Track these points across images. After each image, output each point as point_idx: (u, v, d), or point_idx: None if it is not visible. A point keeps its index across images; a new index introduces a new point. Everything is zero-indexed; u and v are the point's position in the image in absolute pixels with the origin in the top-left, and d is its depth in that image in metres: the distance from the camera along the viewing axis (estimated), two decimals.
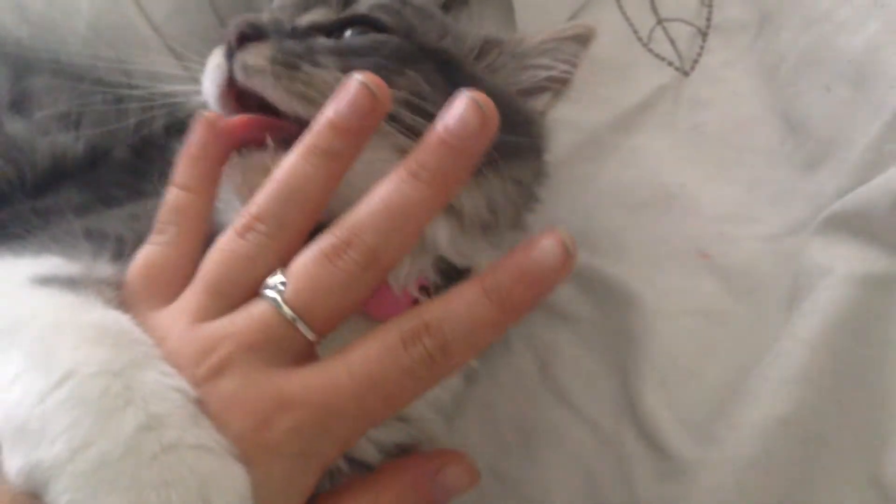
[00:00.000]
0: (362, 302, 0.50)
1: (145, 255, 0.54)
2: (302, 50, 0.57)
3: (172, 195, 0.56)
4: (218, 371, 0.47)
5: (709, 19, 0.85)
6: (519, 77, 0.67)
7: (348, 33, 0.59)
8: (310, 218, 0.51)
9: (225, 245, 0.52)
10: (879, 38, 0.68)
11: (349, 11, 0.60)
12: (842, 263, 0.61)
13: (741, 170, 0.77)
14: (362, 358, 0.48)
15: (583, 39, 0.68)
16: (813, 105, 0.73)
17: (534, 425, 0.67)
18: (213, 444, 0.44)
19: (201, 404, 0.45)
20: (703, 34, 0.84)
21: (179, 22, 0.71)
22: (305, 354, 0.49)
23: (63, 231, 0.58)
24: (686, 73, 0.83)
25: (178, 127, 0.65)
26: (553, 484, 0.65)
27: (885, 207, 0.61)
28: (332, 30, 0.60)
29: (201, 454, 0.43)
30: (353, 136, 0.51)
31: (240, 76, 0.56)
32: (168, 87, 0.66)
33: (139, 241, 0.56)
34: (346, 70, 0.53)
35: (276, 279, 0.49)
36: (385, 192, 0.50)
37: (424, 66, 0.59)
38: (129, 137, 0.68)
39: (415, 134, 0.54)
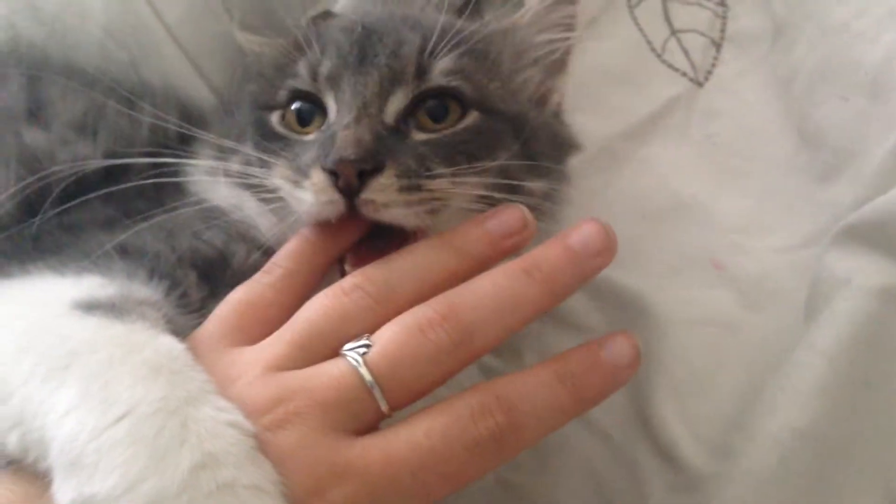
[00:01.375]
0: (443, 382, 0.49)
1: (245, 290, 0.54)
2: (416, 164, 0.56)
3: (294, 244, 0.57)
4: (283, 422, 0.46)
5: (723, 30, 0.84)
6: (526, 69, 0.67)
7: (431, 103, 0.60)
8: (419, 300, 0.51)
9: (325, 300, 0.52)
10: None
11: (426, 86, 0.60)
12: (859, 275, 0.60)
13: (755, 180, 0.76)
14: (427, 430, 0.47)
15: None
16: (829, 116, 0.72)
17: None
18: (269, 485, 0.44)
19: (261, 446, 0.45)
20: (717, 45, 0.84)
21: (192, 24, 0.71)
22: (373, 424, 0.48)
23: (95, 247, 0.57)
24: (700, 84, 0.82)
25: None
26: (564, 495, 0.64)
27: None
28: (416, 105, 0.60)
29: (256, 494, 0.43)
30: (492, 249, 0.53)
31: (368, 213, 0.55)
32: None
33: (179, 258, 0.57)
34: (455, 169, 0.56)
35: (361, 342, 0.49)
36: (493, 278, 0.51)
37: (506, 137, 0.61)
38: (145, 145, 0.68)
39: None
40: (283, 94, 0.64)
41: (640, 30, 0.85)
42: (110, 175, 0.64)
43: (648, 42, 0.85)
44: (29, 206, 0.62)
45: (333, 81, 0.60)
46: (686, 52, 0.84)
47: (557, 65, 0.69)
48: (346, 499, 0.45)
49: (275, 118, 0.64)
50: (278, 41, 0.68)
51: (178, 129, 0.65)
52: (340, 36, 0.62)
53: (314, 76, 0.61)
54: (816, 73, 0.74)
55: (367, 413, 0.48)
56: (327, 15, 0.72)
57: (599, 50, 0.84)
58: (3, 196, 0.62)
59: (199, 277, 0.58)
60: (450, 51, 0.60)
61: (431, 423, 0.47)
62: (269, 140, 0.62)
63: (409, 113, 0.59)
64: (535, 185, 0.62)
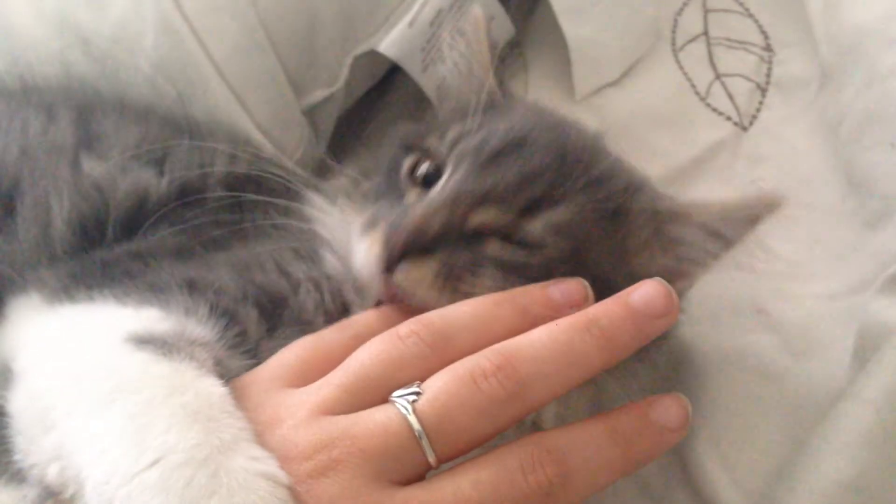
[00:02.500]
0: (493, 436, 0.48)
1: (314, 339, 0.54)
2: (467, 262, 0.56)
3: (375, 314, 0.57)
4: (326, 470, 0.45)
5: (768, 75, 0.84)
6: (654, 255, 0.61)
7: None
8: (473, 350, 0.50)
9: (380, 344, 0.51)
10: None
11: (518, 232, 0.57)
12: None
13: (801, 226, 0.75)
14: (474, 482, 0.46)
15: (754, 219, 0.59)
16: (876, 162, 0.71)
17: None
18: None
19: (298, 497, 0.44)
20: (763, 90, 0.83)
21: (240, 61, 0.72)
22: (418, 475, 0.47)
23: (163, 278, 0.58)
24: (744, 129, 0.82)
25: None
26: None
27: None
28: (507, 230, 0.58)
29: None
30: (553, 315, 0.52)
31: (398, 285, 0.55)
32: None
33: (244, 294, 0.57)
34: (505, 285, 0.55)
35: (411, 389, 0.48)
36: (551, 332, 0.50)
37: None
38: (220, 176, 0.69)
39: None
40: (423, 147, 0.63)
41: (685, 73, 0.85)
42: (185, 205, 0.65)
43: (692, 85, 0.84)
44: (84, 232, 0.64)
45: (458, 162, 0.59)
46: (731, 97, 0.83)
47: (700, 268, 0.61)
48: None
49: (406, 163, 0.63)
50: (466, 95, 0.68)
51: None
52: (498, 127, 0.61)
53: (452, 147, 0.61)
54: (864, 119, 0.73)
55: (412, 463, 0.46)
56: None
57: (643, 92, 0.84)
58: (57, 221, 0.63)
59: (259, 315, 0.57)
60: (573, 205, 0.57)
61: (479, 475, 0.46)
62: (390, 183, 0.63)
63: (494, 231, 0.57)
64: None
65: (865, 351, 0.61)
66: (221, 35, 0.71)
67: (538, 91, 0.85)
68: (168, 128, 0.71)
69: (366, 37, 0.78)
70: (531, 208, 0.57)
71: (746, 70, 0.84)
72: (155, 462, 0.43)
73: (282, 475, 0.44)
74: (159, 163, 0.68)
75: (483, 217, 0.57)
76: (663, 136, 0.82)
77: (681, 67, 0.86)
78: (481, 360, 0.48)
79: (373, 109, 0.88)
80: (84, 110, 0.70)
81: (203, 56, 0.70)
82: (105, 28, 0.73)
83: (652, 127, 0.82)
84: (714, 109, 0.83)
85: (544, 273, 0.57)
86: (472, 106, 0.63)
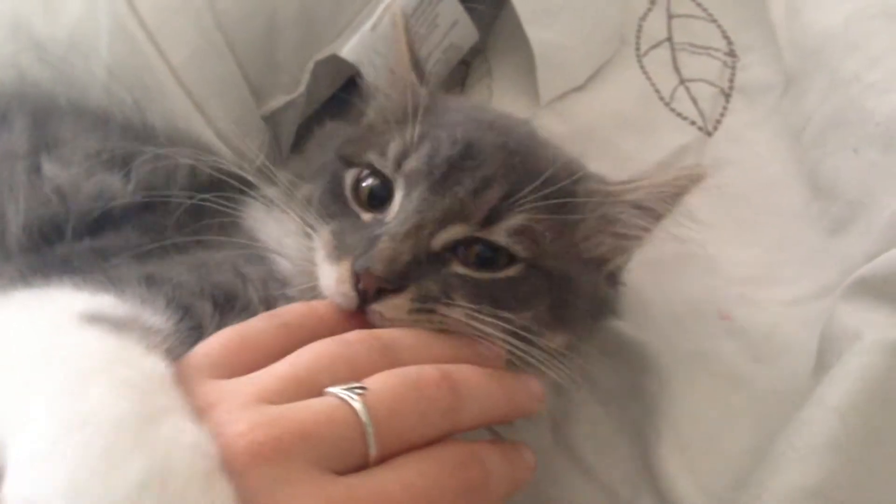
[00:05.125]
0: (425, 443, 0.48)
1: (240, 328, 0.53)
2: (439, 291, 0.56)
3: (303, 308, 0.56)
4: (265, 450, 0.43)
5: (732, 80, 0.84)
6: (603, 236, 0.63)
7: (481, 249, 0.58)
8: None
9: (330, 344, 0.51)
10: None
11: (486, 237, 0.58)
12: (871, 329, 0.59)
13: (764, 231, 0.76)
14: (420, 472, 0.46)
15: (680, 191, 0.62)
16: (840, 167, 0.72)
17: (547, 491, 0.64)
18: None
19: (234, 475, 0.42)
20: (727, 95, 0.84)
21: (198, 67, 0.70)
22: (352, 471, 0.46)
23: (121, 271, 0.57)
24: (709, 133, 0.82)
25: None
26: None
27: None
28: (468, 242, 0.58)
29: None
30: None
31: (374, 320, 0.55)
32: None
33: (201, 290, 0.57)
34: (477, 308, 0.55)
35: (356, 384, 0.48)
36: (494, 370, 0.54)
37: (542, 291, 0.60)
38: (184, 184, 0.68)
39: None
40: (365, 161, 0.63)
41: (649, 78, 0.85)
42: (149, 207, 0.64)
43: (657, 90, 0.84)
44: (42, 236, 0.63)
45: (409, 181, 0.59)
46: (695, 102, 0.84)
47: (635, 242, 0.64)
48: None
49: (349, 178, 0.63)
50: (395, 97, 0.68)
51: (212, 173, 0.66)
52: (441, 137, 0.61)
53: (398, 164, 0.60)
54: (827, 125, 0.74)
55: (352, 454, 0.46)
56: (349, 66, 0.73)
57: (608, 97, 0.84)
58: (12, 227, 0.62)
59: (213, 309, 0.57)
60: (528, 209, 0.58)
61: (421, 466, 0.46)
62: (334, 196, 0.62)
63: (456, 246, 0.58)
64: (552, 341, 0.60)
65: (829, 356, 0.61)
66: (178, 40, 0.70)
67: (503, 96, 0.85)
68: (128, 134, 0.69)
69: (327, 42, 0.77)
70: (491, 217, 0.58)
71: (710, 75, 0.85)
72: (84, 423, 0.41)
73: (210, 446, 0.43)
74: (124, 167, 0.67)
75: (448, 235, 0.57)
76: (628, 141, 0.82)
77: (645, 72, 0.86)
78: (427, 369, 0.49)
79: (334, 115, 0.87)
80: (39, 116, 0.68)
81: (160, 61, 0.69)
82: (59, 32, 0.71)
83: (617, 131, 0.82)
84: (679, 114, 0.83)
85: (510, 289, 0.58)
86: (406, 113, 0.63)
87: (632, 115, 0.83)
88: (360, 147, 0.65)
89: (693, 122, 0.83)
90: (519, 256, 0.58)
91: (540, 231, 0.58)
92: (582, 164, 0.66)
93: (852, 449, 0.55)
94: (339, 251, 0.57)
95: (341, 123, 0.74)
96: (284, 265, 0.62)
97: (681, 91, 0.84)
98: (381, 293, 0.55)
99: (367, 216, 0.61)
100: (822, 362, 0.62)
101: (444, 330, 0.55)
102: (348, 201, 0.62)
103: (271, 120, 0.78)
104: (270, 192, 0.67)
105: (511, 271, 0.59)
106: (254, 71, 0.74)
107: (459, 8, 0.82)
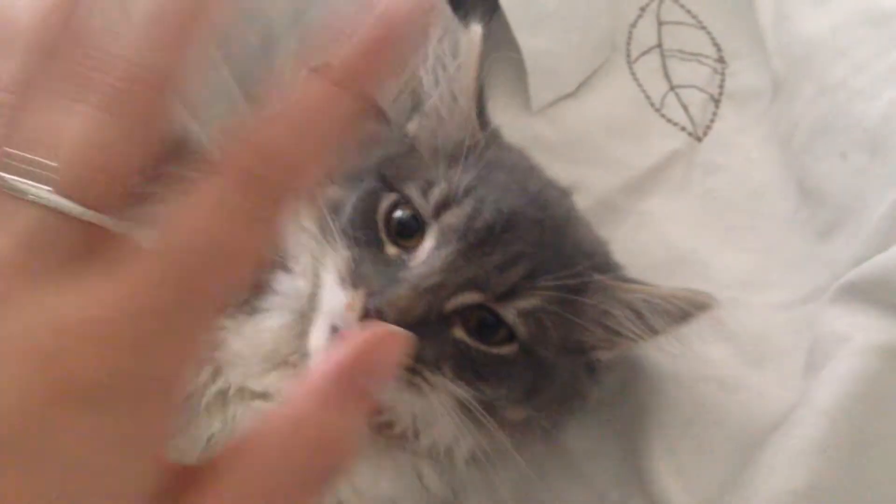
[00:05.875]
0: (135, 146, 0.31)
1: None
2: (432, 357, 0.55)
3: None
4: None
5: (721, 86, 0.85)
6: (598, 329, 0.62)
7: (488, 319, 0.57)
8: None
9: None
10: (895, 107, 0.68)
11: (498, 310, 0.57)
12: (860, 333, 0.60)
13: (754, 236, 0.76)
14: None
15: (683, 315, 0.59)
16: (828, 172, 0.72)
17: (538, 494, 0.64)
18: None
19: None
20: (716, 101, 0.84)
21: (188, 77, 0.71)
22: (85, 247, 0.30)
23: None
24: (699, 139, 0.83)
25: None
26: None
27: None
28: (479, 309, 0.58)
29: None
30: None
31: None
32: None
33: None
34: (459, 383, 0.55)
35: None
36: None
37: (524, 374, 0.59)
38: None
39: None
40: (404, 193, 0.61)
41: (640, 84, 0.85)
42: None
43: (647, 97, 0.85)
44: None
45: (443, 235, 0.58)
46: (685, 108, 0.84)
47: (624, 344, 0.62)
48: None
49: (384, 203, 0.61)
50: (451, 127, 0.66)
51: None
52: (485, 200, 0.59)
53: (436, 213, 0.59)
54: (816, 130, 0.75)
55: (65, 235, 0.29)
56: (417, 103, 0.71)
57: (599, 103, 0.84)
58: None
59: None
60: (543, 295, 0.57)
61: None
62: (364, 217, 0.61)
63: (465, 309, 0.57)
64: (512, 414, 0.60)
65: (818, 360, 0.62)
66: None
67: (494, 104, 0.84)
68: None
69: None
70: (507, 293, 0.57)
71: (700, 81, 0.85)
72: None
73: None
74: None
75: (462, 300, 0.57)
76: (619, 147, 0.83)
77: (636, 79, 0.86)
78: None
79: None
80: None
81: None
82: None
83: (608, 138, 0.83)
84: (669, 120, 0.84)
85: (497, 366, 0.58)
86: (458, 151, 0.61)
87: (623, 121, 0.84)
88: (402, 171, 0.63)
89: (683, 128, 0.83)
90: (519, 337, 0.58)
91: (546, 318, 0.58)
92: (607, 250, 0.66)
93: (841, 452, 0.56)
94: (354, 278, 0.57)
95: (384, 126, 0.72)
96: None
97: (671, 97, 0.85)
98: None
99: (391, 249, 0.60)
100: (812, 365, 0.63)
101: (418, 392, 0.55)
102: (377, 227, 0.61)
103: None
104: None
105: (505, 350, 0.58)
106: (248, 80, 0.75)
107: (451, 16, 0.83)
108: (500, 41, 0.87)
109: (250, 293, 0.60)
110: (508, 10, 0.81)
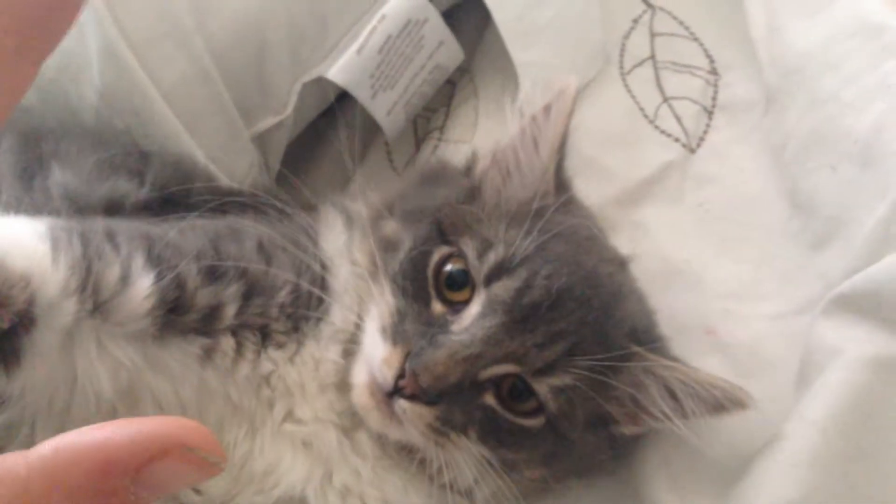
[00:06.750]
0: None
1: None
2: (460, 422, 0.57)
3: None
4: None
5: (714, 98, 0.85)
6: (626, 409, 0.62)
7: (518, 384, 0.58)
8: None
9: None
10: (885, 119, 0.68)
11: (531, 384, 0.58)
12: (852, 345, 0.60)
13: (747, 247, 0.76)
14: None
15: (717, 407, 0.59)
16: (819, 184, 0.73)
17: None
18: None
19: None
20: (709, 112, 0.85)
21: (186, 90, 0.71)
22: None
23: (118, 228, 0.57)
24: (692, 150, 0.83)
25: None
26: None
27: (894, 289, 0.60)
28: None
29: None
30: None
31: (397, 412, 0.56)
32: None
33: (197, 253, 0.56)
34: (484, 452, 0.58)
35: None
36: None
37: (546, 445, 0.60)
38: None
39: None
40: (459, 247, 0.61)
41: (633, 96, 0.86)
42: (168, 204, 0.65)
43: (641, 108, 0.85)
44: None
45: (490, 304, 0.58)
46: (678, 119, 0.84)
47: (651, 422, 0.61)
48: None
49: (437, 255, 0.61)
50: (521, 184, 0.65)
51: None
52: (538, 274, 0.59)
53: (487, 280, 0.59)
54: (807, 142, 0.75)
55: None
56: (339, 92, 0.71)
57: (593, 115, 0.85)
58: None
59: (198, 273, 0.56)
60: (578, 374, 0.57)
61: None
62: (415, 268, 0.61)
63: (499, 378, 0.58)
64: (529, 474, 0.61)
65: (810, 372, 0.62)
66: (167, 64, 0.70)
67: (489, 116, 0.86)
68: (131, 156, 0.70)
69: (314, 64, 0.78)
70: (544, 369, 0.58)
71: (693, 93, 0.86)
72: None
73: None
74: (139, 175, 0.67)
75: (498, 371, 0.58)
76: (614, 158, 0.83)
77: (629, 91, 0.86)
78: None
79: (321, 136, 0.88)
80: (29, 136, 0.69)
81: (150, 85, 0.70)
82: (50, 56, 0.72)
83: (602, 149, 0.83)
84: (662, 131, 0.84)
85: (522, 436, 0.59)
86: (523, 214, 0.62)
87: (617, 132, 0.84)
88: (461, 223, 0.63)
89: (677, 139, 0.84)
90: (547, 412, 0.59)
91: (576, 396, 0.58)
92: (652, 321, 0.66)
93: (833, 464, 0.56)
94: (395, 333, 0.58)
95: (453, 168, 0.72)
96: (330, 282, 0.62)
97: (664, 109, 0.85)
98: (413, 396, 0.56)
99: (437, 307, 0.60)
100: (804, 377, 0.63)
101: (442, 448, 0.57)
102: (427, 279, 0.61)
103: (260, 141, 0.79)
104: (356, 207, 0.67)
105: (531, 422, 0.59)
106: (242, 94, 0.75)
107: (445, 29, 0.83)
108: (493, 53, 0.87)
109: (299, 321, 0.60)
110: (501, 23, 0.82)
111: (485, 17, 0.86)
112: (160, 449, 0.28)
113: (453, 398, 0.56)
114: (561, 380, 0.58)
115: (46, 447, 0.28)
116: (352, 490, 0.59)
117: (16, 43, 0.31)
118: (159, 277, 0.53)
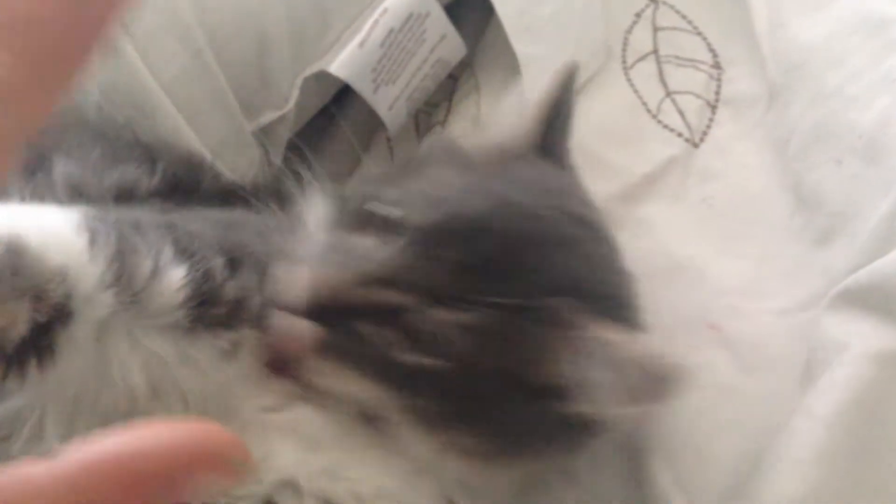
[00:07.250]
0: None
1: None
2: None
3: None
4: None
5: (717, 92, 0.85)
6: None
7: None
8: None
9: None
10: (890, 113, 0.68)
11: (431, 319, 0.53)
12: (858, 340, 0.60)
13: (751, 243, 0.76)
14: None
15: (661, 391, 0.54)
16: (823, 179, 0.72)
17: (538, 500, 0.64)
18: None
19: None
20: (713, 107, 0.84)
21: (187, 84, 0.71)
22: None
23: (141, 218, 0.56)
24: (696, 145, 0.83)
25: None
26: None
27: None
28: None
29: None
30: None
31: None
32: None
33: (219, 244, 0.54)
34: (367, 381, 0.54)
35: None
36: None
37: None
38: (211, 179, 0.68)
39: None
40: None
41: (636, 91, 0.86)
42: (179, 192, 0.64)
43: (644, 103, 0.85)
44: None
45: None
46: (682, 114, 0.84)
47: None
48: None
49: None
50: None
51: None
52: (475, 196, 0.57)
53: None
54: (811, 137, 0.75)
55: None
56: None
57: (596, 110, 0.84)
58: None
59: (225, 265, 0.54)
60: (492, 308, 0.53)
61: None
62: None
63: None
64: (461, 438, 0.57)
65: (816, 367, 0.62)
66: (168, 58, 0.70)
67: (491, 111, 0.85)
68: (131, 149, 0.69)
69: (316, 58, 0.78)
70: (445, 303, 0.53)
71: (696, 87, 0.85)
72: None
73: None
74: (150, 163, 0.66)
75: (392, 300, 0.54)
76: (616, 153, 0.83)
77: (632, 85, 0.86)
78: None
79: (324, 129, 0.88)
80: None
81: (150, 79, 0.69)
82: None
83: (605, 144, 0.83)
84: (665, 126, 0.84)
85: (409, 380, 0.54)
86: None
87: (619, 127, 0.84)
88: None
89: (680, 134, 0.83)
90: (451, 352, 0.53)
91: (489, 339, 0.53)
92: (618, 282, 0.62)
93: (839, 459, 0.56)
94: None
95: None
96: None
97: (667, 103, 0.85)
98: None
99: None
100: (810, 373, 0.63)
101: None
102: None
103: (261, 135, 0.79)
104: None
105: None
106: (244, 87, 0.75)
107: (447, 22, 0.83)
108: (496, 48, 0.87)
109: None
110: (504, 17, 0.82)
111: (487, 12, 0.86)
112: (193, 459, 0.27)
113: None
114: (469, 315, 0.52)
115: (72, 457, 0.26)
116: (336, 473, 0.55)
117: (27, 70, 0.26)
118: (191, 269, 0.52)
